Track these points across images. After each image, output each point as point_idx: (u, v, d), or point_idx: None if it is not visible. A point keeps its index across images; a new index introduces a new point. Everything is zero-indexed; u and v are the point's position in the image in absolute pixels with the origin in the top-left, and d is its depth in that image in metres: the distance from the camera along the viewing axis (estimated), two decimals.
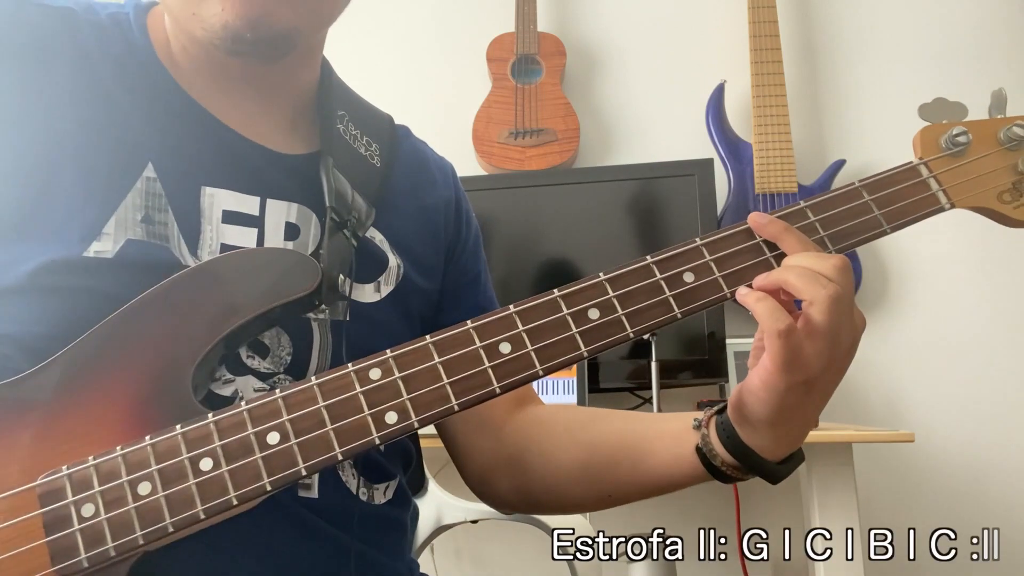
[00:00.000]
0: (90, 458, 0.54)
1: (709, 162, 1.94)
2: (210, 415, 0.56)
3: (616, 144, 2.20)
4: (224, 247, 0.66)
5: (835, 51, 2.18)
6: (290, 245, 0.69)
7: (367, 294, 0.73)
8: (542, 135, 2.11)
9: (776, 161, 2.00)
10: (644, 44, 2.23)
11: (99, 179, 0.64)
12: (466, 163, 2.13)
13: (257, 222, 0.68)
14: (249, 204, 0.69)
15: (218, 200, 0.67)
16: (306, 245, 0.70)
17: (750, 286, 0.61)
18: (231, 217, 0.67)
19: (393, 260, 0.76)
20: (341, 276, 0.67)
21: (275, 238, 0.69)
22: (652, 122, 2.19)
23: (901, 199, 0.65)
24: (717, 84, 2.10)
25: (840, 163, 2.05)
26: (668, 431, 0.70)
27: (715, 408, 0.67)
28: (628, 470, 0.72)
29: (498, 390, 0.58)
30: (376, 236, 0.76)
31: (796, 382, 0.58)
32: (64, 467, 0.54)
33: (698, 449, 0.66)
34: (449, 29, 2.30)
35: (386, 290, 0.75)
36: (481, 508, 1.33)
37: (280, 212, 0.70)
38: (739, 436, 0.63)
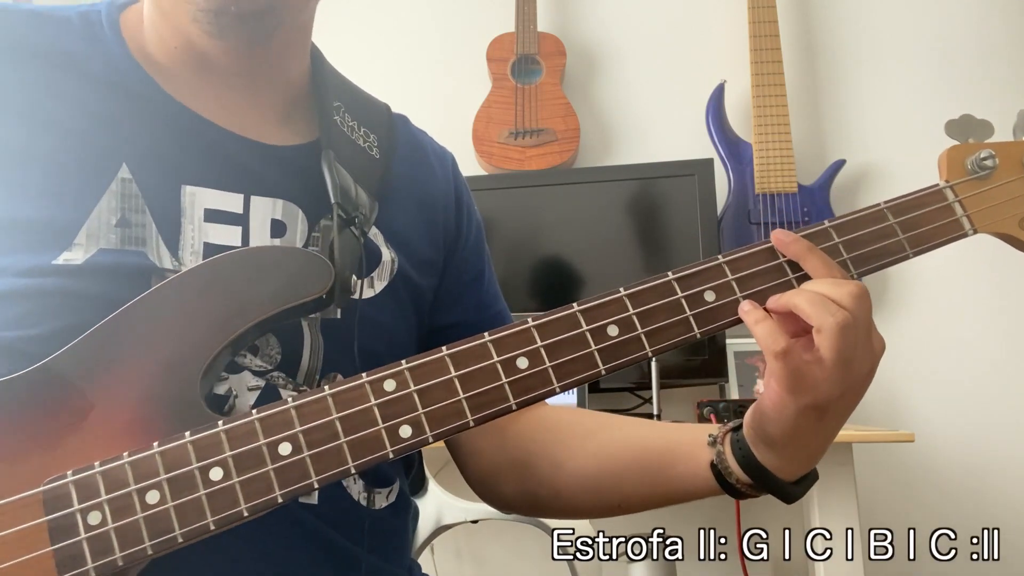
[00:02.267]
0: (96, 464, 0.53)
1: (709, 162, 1.94)
2: (220, 422, 0.55)
3: (616, 144, 2.20)
4: (207, 246, 0.65)
5: (835, 51, 2.18)
6: (277, 242, 0.68)
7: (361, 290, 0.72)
8: (542, 135, 2.11)
9: (776, 161, 2.00)
10: (644, 44, 2.23)
11: (69, 183, 0.63)
12: (466, 163, 2.12)
13: (241, 220, 0.67)
14: (232, 202, 0.67)
15: (199, 199, 0.66)
16: (293, 242, 0.69)
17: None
18: (214, 215, 0.66)
19: (387, 254, 0.74)
20: (354, 276, 0.65)
21: (260, 235, 0.67)
22: (652, 122, 2.19)
23: (926, 223, 0.64)
24: (717, 84, 2.10)
25: (840, 163, 2.05)
26: (681, 445, 0.69)
27: (730, 425, 0.66)
28: (638, 483, 0.71)
29: (514, 406, 0.57)
30: (373, 228, 0.74)
31: (806, 405, 0.57)
32: (69, 472, 0.53)
33: (713, 466, 0.65)
34: (449, 29, 2.29)
35: (380, 285, 0.73)
36: (481, 508, 1.33)
37: (265, 209, 0.68)
38: (754, 455, 0.62)
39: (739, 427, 0.65)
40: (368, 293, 0.72)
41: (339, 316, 0.69)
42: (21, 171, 0.62)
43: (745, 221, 2.00)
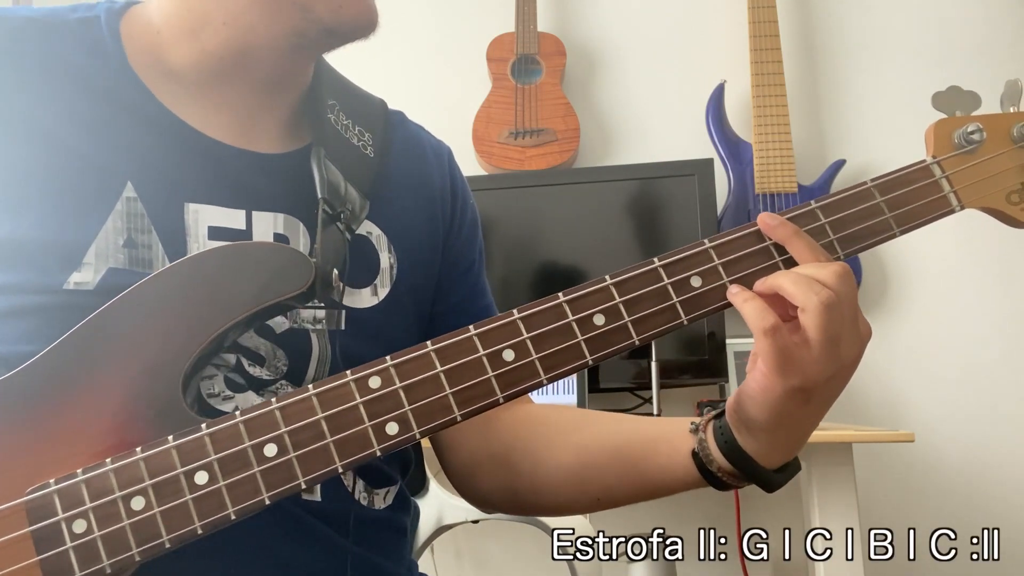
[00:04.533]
0: (79, 471, 0.53)
1: (709, 162, 1.94)
2: (203, 425, 0.54)
3: (616, 144, 2.20)
4: None
5: (835, 51, 2.17)
6: None
7: (364, 299, 0.71)
8: (542, 135, 2.11)
9: (776, 161, 2.00)
10: (644, 44, 2.23)
11: (75, 202, 0.62)
12: (466, 163, 2.12)
13: (244, 236, 0.67)
14: (235, 218, 0.67)
15: (203, 216, 0.65)
16: None
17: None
18: (217, 233, 0.66)
19: (386, 260, 0.74)
20: (335, 271, 0.65)
21: None
22: (652, 122, 2.19)
23: (913, 200, 0.63)
24: (717, 84, 2.10)
25: (840, 163, 2.05)
26: (663, 434, 0.69)
27: (713, 413, 0.65)
28: (619, 474, 0.71)
29: (501, 400, 0.56)
30: (374, 231, 0.74)
31: (792, 387, 0.57)
32: (52, 481, 0.52)
33: (694, 454, 0.65)
34: (449, 29, 2.29)
35: (383, 292, 0.73)
36: None
37: (267, 224, 0.68)
38: (736, 441, 0.62)
39: (722, 414, 0.64)
40: (372, 301, 0.72)
41: (344, 327, 0.69)
42: (24, 189, 0.62)
43: (745, 221, 1.99)
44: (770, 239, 0.61)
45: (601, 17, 2.26)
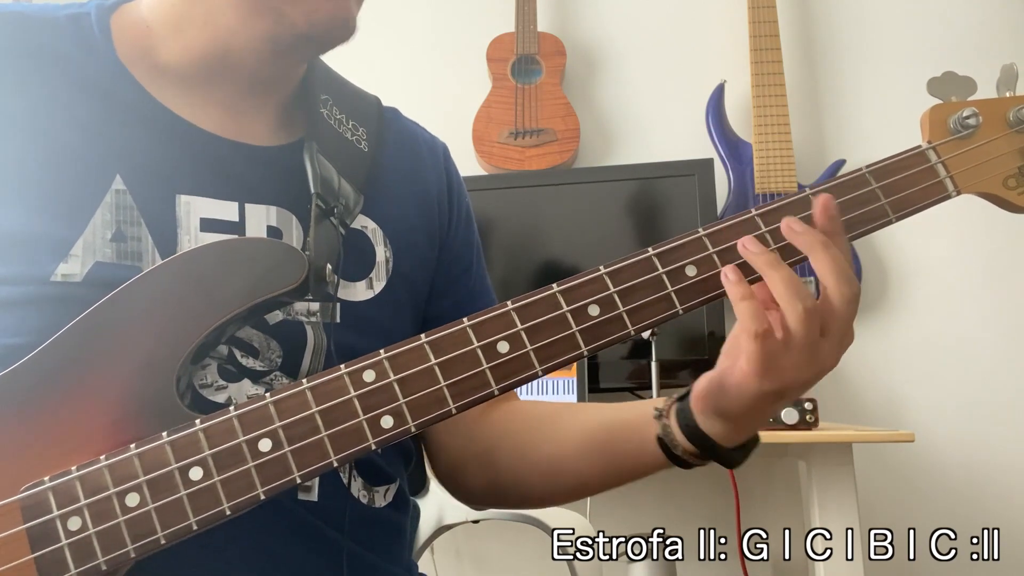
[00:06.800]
0: (73, 468, 0.53)
1: (709, 162, 1.94)
2: (197, 421, 0.54)
3: (616, 144, 2.20)
4: None
5: (835, 51, 2.17)
6: None
7: (359, 292, 0.71)
8: (542, 135, 2.11)
9: (776, 161, 2.00)
10: (644, 44, 2.23)
11: (63, 195, 0.62)
12: (466, 163, 2.13)
13: (237, 228, 0.67)
14: (228, 210, 0.67)
15: (195, 208, 0.65)
16: None
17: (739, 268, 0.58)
18: (210, 225, 0.65)
19: (381, 253, 0.74)
20: (329, 266, 0.64)
21: None
22: (652, 122, 2.19)
23: (908, 186, 0.62)
24: (717, 84, 2.10)
25: (840, 163, 2.05)
26: (630, 422, 0.69)
27: (676, 396, 0.66)
28: (592, 462, 0.72)
29: (496, 391, 0.56)
30: (369, 225, 0.74)
31: (770, 390, 0.57)
32: (46, 478, 0.52)
33: (659, 439, 0.65)
34: (449, 29, 2.29)
35: (379, 286, 0.73)
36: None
37: (260, 216, 0.68)
38: (698, 426, 0.62)
39: (684, 396, 0.64)
40: (367, 295, 0.72)
41: (339, 319, 0.69)
42: (13, 181, 0.62)
43: None
44: (764, 227, 0.60)
45: (601, 17, 2.26)
